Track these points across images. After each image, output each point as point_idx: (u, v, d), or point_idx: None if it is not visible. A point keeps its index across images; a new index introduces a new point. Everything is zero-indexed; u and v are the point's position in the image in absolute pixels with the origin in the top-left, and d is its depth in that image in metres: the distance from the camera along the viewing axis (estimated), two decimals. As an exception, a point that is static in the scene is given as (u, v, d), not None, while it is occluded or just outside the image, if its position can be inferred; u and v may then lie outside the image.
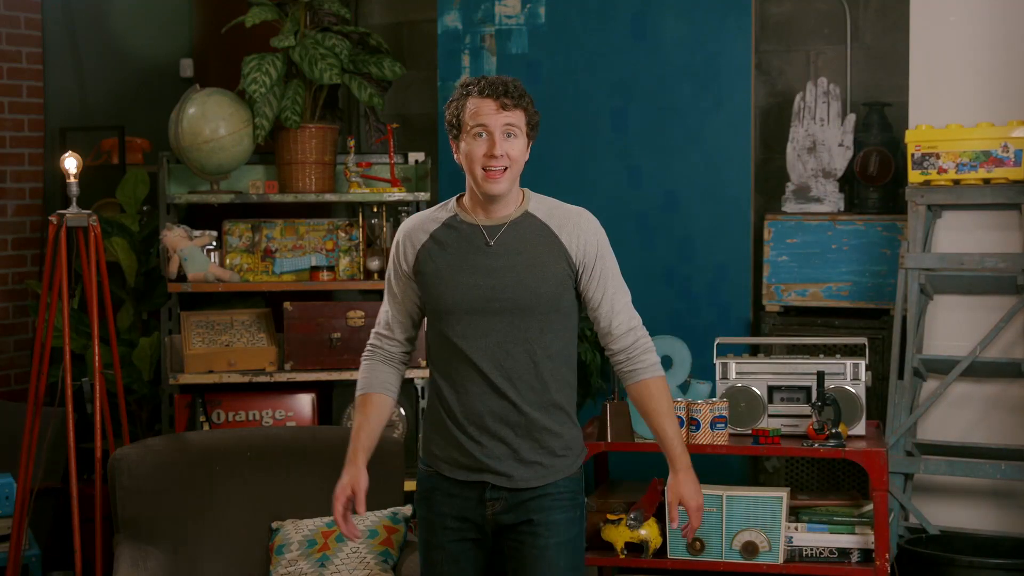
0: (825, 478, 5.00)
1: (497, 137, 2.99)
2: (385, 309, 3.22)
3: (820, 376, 4.14)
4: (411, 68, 5.85)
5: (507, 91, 3.01)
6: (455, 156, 3.09)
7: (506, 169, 3.01)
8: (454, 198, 3.16)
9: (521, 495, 3.07)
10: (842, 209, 5.04)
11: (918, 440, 4.63)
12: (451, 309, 3.05)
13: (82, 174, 4.52)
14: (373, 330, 3.25)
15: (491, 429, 3.06)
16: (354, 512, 3.15)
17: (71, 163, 4.47)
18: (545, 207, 3.11)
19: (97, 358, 4.45)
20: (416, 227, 3.14)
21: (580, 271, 3.09)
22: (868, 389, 4.34)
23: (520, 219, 3.08)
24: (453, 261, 3.07)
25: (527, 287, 3.04)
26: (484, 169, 3.00)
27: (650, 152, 5.30)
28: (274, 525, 4.09)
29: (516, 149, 3.02)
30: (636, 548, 4.27)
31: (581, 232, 3.09)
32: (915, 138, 4.62)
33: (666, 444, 3.13)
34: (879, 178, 4.96)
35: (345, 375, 4.89)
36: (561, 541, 3.09)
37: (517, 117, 3.02)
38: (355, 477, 3.14)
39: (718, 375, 4.34)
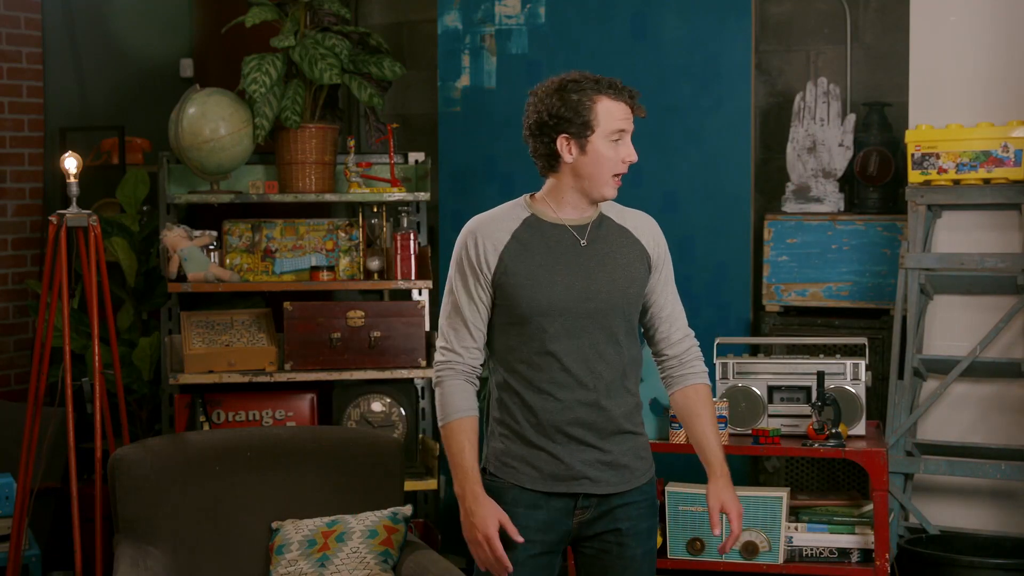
0: (825, 478, 5.00)
1: (629, 142, 3.00)
2: (458, 318, 3.02)
3: (820, 376, 4.14)
4: (411, 68, 5.86)
5: (633, 96, 3.03)
6: (561, 152, 2.97)
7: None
8: (523, 197, 3.07)
9: (610, 501, 3.02)
10: (842, 209, 5.04)
11: (918, 440, 4.63)
12: (546, 310, 2.96)
13: (82, 174, 4.52)
14: (441, 345, 3.04)
15: (579, 435, 2.98)
16: (507, 547, 2.96)
17: (71, 163, 4.47)
18: (615, 210, 3.11)
19: (97, 358, 4.45)
20: (493, 227, 3.01)
21: (652, 272, 3.09)
22: (868, 389, 4.34)
23: (598, 220, 3.05)
24: (544, 261, 2.97)
25: (619, 288, 3.01)
26: (615, 175, 2.98)
27: (650, 152, 5.29)
28: (274, 525, 4.09)
29: (637, 156, 3.05)
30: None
31: (654, 234, 3.12)
32: (915, 138, 4.62)
33: (709, 450, 3.10)
34: (879, 178, 4.96)
35: (345, 375, 4.89)
36: (647, 550, 3.08)
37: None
38: (496, 509, 2.96)
39: (718, 375, 4.34)
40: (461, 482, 2.97)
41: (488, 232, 3.00)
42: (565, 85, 3.01)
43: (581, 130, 2.96)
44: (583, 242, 3.01)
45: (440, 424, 3.03)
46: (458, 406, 3.01)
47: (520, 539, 2.95)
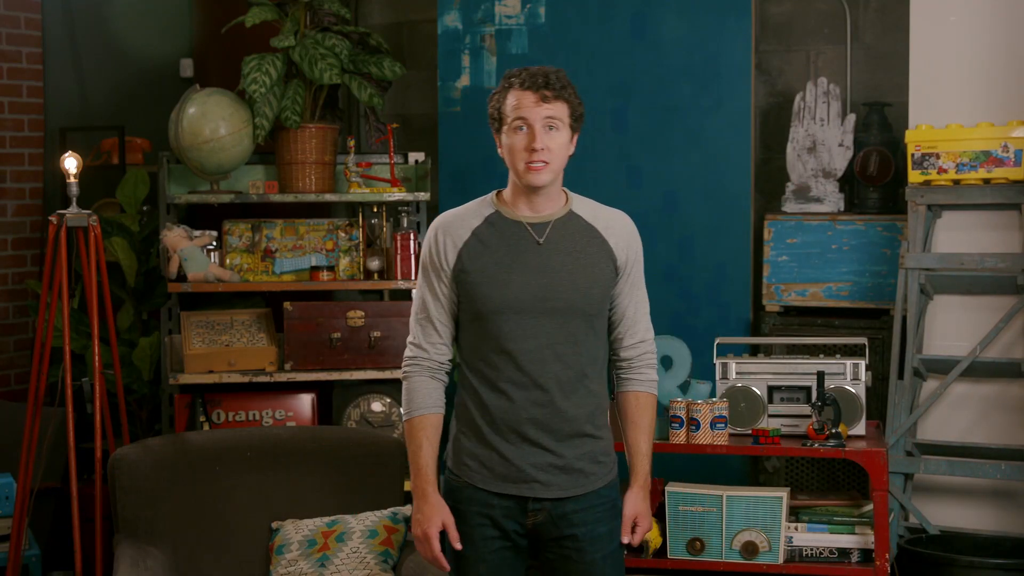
0: (825, 478, 5.00)
1: (537, 130, 2.95)
2: (423, 315, 3.06)
3: (820, 376, 4.14)
4: (411, 68, 5.85)
5: (547, 83, 2.96)
6: (499, 150, 3.04)
7: (547, 163, 2.97)
8: (492, 193, 3.09)
9: (564, 505, 3.02)
10: (842, 209, 5.04)
11: (918, 440, 4.63)
12: (500, 309, 2.97)
13: (82, 174, 4.52)
14: (410, 340, 3.09)
15: (533, 436, 2.99)
16: (444, 550, 3.03)
17: (71, 163, 4.47)
18: (589, 208, 3.09)
19: (97, 358, 4.45)
20: (455, 223, 3.05)
21: (619, 274, 3.08)
22: (868, 389, 4.34)
23: (565, 218, 3.04)
24: (502, 259, 2.99)
25: (579, 288, 3.00)
26: (526, 163, 2.97)
27: (650, 152, 5.30)
28: (274, 525, 4.09)
29: (556, 142, 2.98)
30: (636, 548, 4.27)
31: (626, 235, 3.10)
32: (915, 138, 4.62)
33: (638, 460, 3.13)
34: (879, 178, 4.96)
35: (345, 375, 4.89)
36: (607, 554, 3.07)
37: (559, 109, 2.98)
38: (442, 510, 3.02)
39: (718, 375, 4.34)
40: (414, 479, 3.03)
41: (450, 229, 3.05)
42: (499, 84, 3.06)
43: (498, 125, 3.03)
44: (540, 240, 3.00)
45: (404, 419, 3.08)
46: (421, 403, 3.05)
47: (459, 546, 3.01)
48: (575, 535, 3.03)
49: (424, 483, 3.02)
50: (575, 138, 3.05)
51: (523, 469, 2.99)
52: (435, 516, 3.01)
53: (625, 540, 3.10)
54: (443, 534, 3.05)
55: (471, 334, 3.03)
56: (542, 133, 2.96)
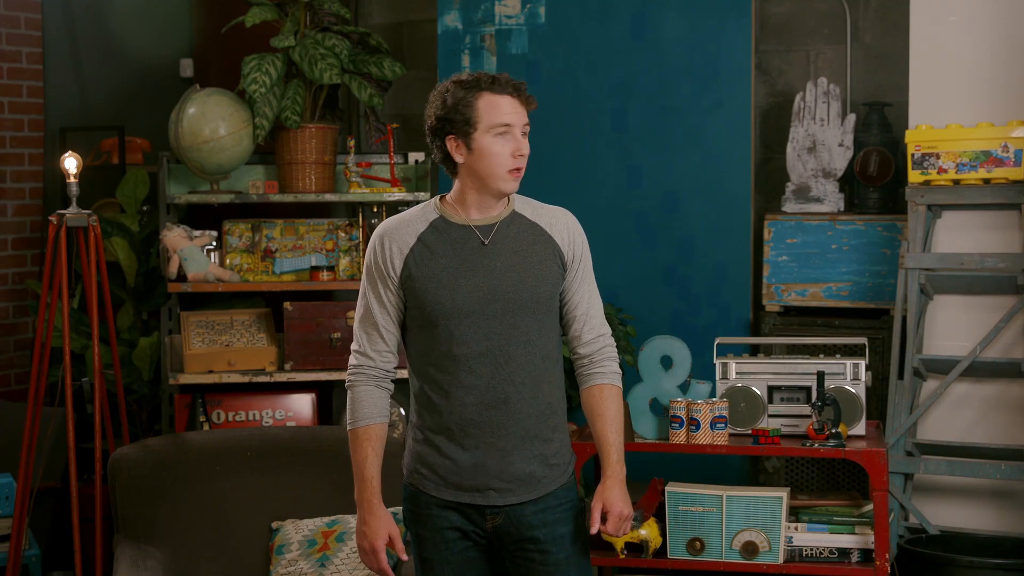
0: (825, 478, 5.00)
1: (519, 136, 2.94)
2: (369, 322, 3.03)
3: (820, 376, 4.14)
4: (411, 68, 5.86)
5: (522, 88, 2.96)
6: (452, 155, 2.96)
7: (522, 168, 2.97)
8: (435, 199, 3.06)
9: (522, 508, 3.02)
10: (842, 209, 5.04)
11: (918, 440, 4.63)
12: (450, 313, 2.95)
13: (82, 174, 4.52)
14: (354, 348, 3.06)
15: (487, 439, 2.98)
16: (392, 563, 3.05)
17: (71, 163, 4.47)
18: (530, 207, 3.08)
19: (97, 358, 4.45)
20: (400, 229, 3.01)
21: (567, 270, 3.07)
22: (868, 389, 4.34)
23: (509, 219, 3.03)
24: (449, 263, 2.97)
25: (528, 287, 2.99)
26: (509, 170, 2.94)
27: (650, 152, 5.30)
28: (274, 525, 4.09)
29: (528, 148, 2.98)
30: (636, 548, 4.27)
31: (569, 231, 3.07)
32: (915, 138, 4.62)
33: (605, 450, 3.09)
34: (879, 178, 4.96)
35: (345, 375, 4.88)
36: (570, 554, 3.06)
37: (527, 115, 2.98)
38: (388, 522, 3.03)
39: (718, 375, 4.34)
40: (359, 491, 3.03)
41: (395, 236, 3.00)
42: (448, 87, 2.97)
43: (464, 128, 2.93)
44: (486, 242, 2.98)
45: (348, 429, 3.06)
46: (365, 413, 3.03)
47: (405, 557, 3.02)
48: (536, 537, 3.03)
49: (370, 495, 3.02)
50: None
51: (476, 477, 2.99)
52: (381, 529, 3.01)
53: (593, 531, 3.05)
54: (428, 557, 3.06)
55: (420, 340, 3.01)
56: (524, 140, 2.96)
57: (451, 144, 2.96)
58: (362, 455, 3.03)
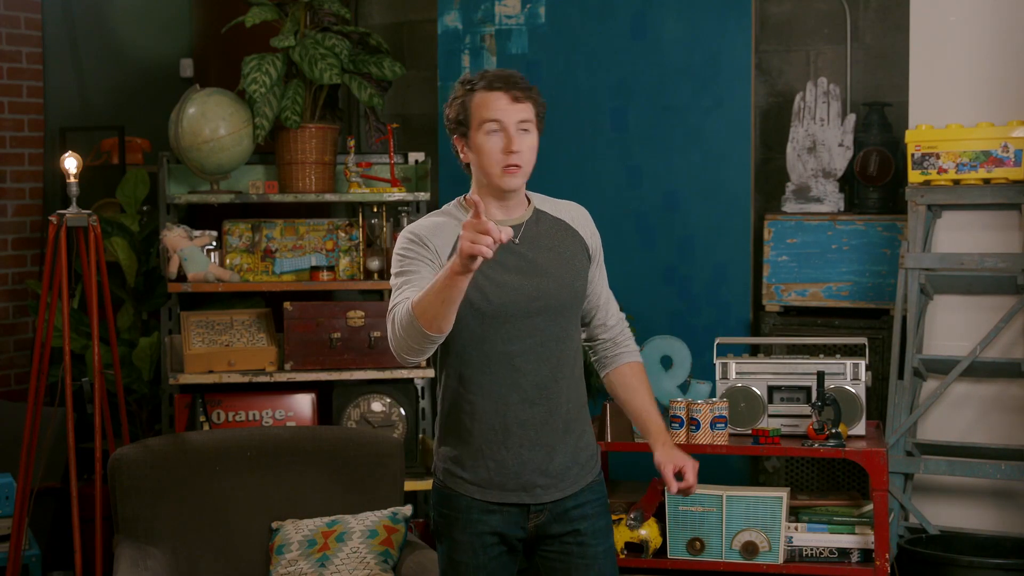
0: (825, 478, 5.00)
1: (513, 132, 2.90)
2: (418, 283, 2.82)
3: (820, 376, 4.14)
4: (411, 68, 5.86)
5: (517, 83, 2.92)
6: (460, 156, 2.96)
7: (520, 166, 2.92)
8: (458, 200, 3.03)
9: (564, 504, 3.01)
10: (842, 209, 5.04)
11: (918, 440, 4.63)
12: (497, 312, 2.91)
13: (82, 174, 4.52)
14: (397, 299, 2.84)
15: (531, 437, 2.96)
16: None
17: (71, 163, 4.47)
18: (548, 203, 3.08)
19: (97, 358, 4.45)
20: (436, 233, 2.93)
21: (592, 261, 3.08)
22: (868, 389, 4.34)
23: (534, 217, 3.02)
24: (490, 264, 2.86)
25: (567, 283, 2.99)
26: (503, 167, 2.90)
27: (650, 152, 5.30)
28: (274, 525, 4.09)
29: (527, 144, 2.93)
30: (636, 548, 4.27)
31: (588, 223, 3.10)
32: (915, 138, 4.62)
33: (651, 422, 3.11)
34: (879, 178, 4.96)
35: (345, 375, 4.89)
36: (607, 548, 3.07)
37: (528, 110, 2.92)
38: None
39: (718, 375, 4.34)
40: (440, 278, 2.69)
41: (433, 238, 2.93)
42: (454, 88, 2.96)
43: (462, 128, 2.93)
44: (517, 240, 2.96)
45: (411, 316, 2.74)
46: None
47: (507, 235, 2.63)
48: (578, 530, 3.02)
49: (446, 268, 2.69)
50: (538, 138, 2.99)
51: (520, 475, 2.97)
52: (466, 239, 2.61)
53: (673, 490, 3.06)
54: (464, 561, 3.01)
55: (460, 341, 2.96)
56: (518, 135, 2.91)
57: (457, 145, 2.97)
58: (427, 287, 2.73)
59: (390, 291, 2.96)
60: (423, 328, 2.72)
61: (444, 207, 3.04)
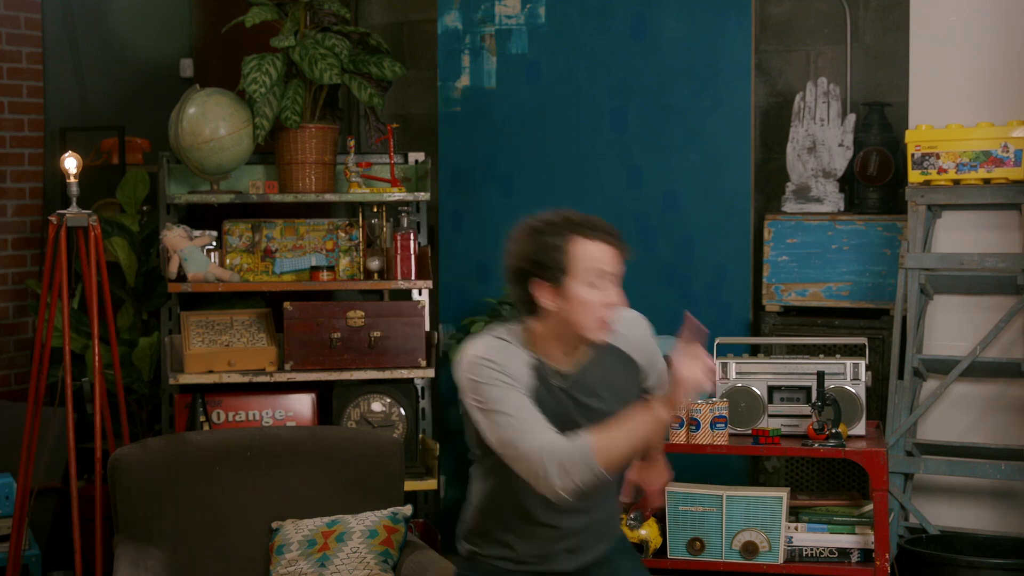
0: (825, 478, 5.00)
1: (613, 285, 2.82)
2: (531, 421, 2.77)
3: (820, 376, 4.14)
4: (411, 68, 5.86)
5: (620, 236, 2.84)
6: (540, 300, 2.81)
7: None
8: (518, 332, 2.88)
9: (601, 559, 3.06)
10: (842, 209, 5.04)
11: (918, 440, 4.63)
12: None
13: (82, 174, 4.52)
14: (534, 445, 2.74)
15: (576, 552, 2.98)
16: None
17: (71, 163, 4.47)
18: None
19: (97, 358, 4.45)
20: (510, 360, 2.82)
21: (648, 376, 3.04)
22: (868, 389, 4.34)
23: (596, 352, 2.92)
24: (554, 409, 2.82)
25: (619, 413, 2.85)
26: (602, 320, 2.81)
27: (650, 152, 5.30)
28: (274, 525, 4.09)
29: (619, 297, 2.87)
30: (636, 548, 4.27)
31: (641, 337, 3.01)
32: (915, 138, 4.62)
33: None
34: (879, 178, 4.96)
35: (345, 375, 4.89)
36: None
37: (623, 264, 2.87)
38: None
39: (718, 375, 4.34)
40: (650, 418, 2.75)
41: (511, 361, 2.82)
42: (539, 227, 2.83)
43: (556, 275, 2.79)
44: (579, 398, 2.88)
45: (591, 461, 2.73)
46: (583, 438, 2.77)
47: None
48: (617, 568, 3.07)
49: (650, 408, 2.76)
50: None
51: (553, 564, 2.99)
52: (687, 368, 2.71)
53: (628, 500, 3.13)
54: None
55: (512, 477, 2.83)
56: (615, 289, 2.84)
57: (539, 289, 2.81)
58: (620, 427, 2.76)
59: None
60: (603, 471, 2.72)
61: (503, 335, 2.89)
